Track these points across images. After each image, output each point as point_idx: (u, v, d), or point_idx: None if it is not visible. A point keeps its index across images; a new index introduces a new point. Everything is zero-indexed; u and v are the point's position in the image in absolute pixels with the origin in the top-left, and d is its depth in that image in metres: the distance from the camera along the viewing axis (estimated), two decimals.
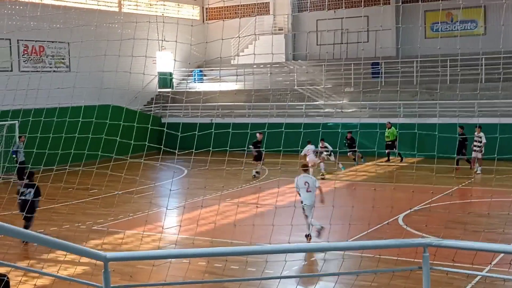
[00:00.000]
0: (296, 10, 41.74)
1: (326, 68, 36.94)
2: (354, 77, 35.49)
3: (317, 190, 16.44)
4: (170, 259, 11.70)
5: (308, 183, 16.42)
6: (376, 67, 35.42)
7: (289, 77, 38.24)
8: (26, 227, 15.98)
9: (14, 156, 26.28)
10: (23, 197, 16.77)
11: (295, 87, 36.79)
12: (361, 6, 37.59)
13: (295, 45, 41.67)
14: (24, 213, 15.81)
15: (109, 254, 4.91)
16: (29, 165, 23.20)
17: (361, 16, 38.09)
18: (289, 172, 25.42)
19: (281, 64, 39.53)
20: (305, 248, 7.19)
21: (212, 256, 11.40)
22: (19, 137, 26.46)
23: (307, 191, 16.29)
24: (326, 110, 34.05)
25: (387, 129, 29.94)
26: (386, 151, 29.87)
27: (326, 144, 26.36)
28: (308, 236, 16.42)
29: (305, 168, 17.42)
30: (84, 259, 12.76)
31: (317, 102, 35.17)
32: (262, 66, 38.02)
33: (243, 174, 24.85)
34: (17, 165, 25.59)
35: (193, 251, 5.23)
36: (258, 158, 25.48)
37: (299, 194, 16.37)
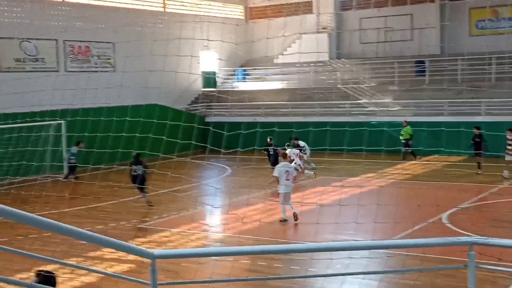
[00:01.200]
0: (340, 8, 41.55)
1: (370, 66, 36.72)
2: (398, 75, 35.20)
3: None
4: (214, 257, 11.81)
5: (288, 171, 17.60)
6: (420, 65, 35.08)
7: (333, 75, 38.11)
8: (144, 196, 20.47)
9: (73, 158, 26.46)
10: (134, 173, 20.28)
11: (339, 86, 36.65)
12: (406, 4, 37.24)
13: (339, 43, 41.48)
14: (136, 185, 20.05)
15: (157, 252, 4.91)
16: (77, 164, 23.65)
17: (405, 14, 37.77)
18: (333, 171, 25.43)
19: (325, 63, 39.42)
20: (349, 246, 7.17)
21: (256, 254, 11.47)
22: (78, 142, 26.54)
23: (286, 179, 17.46)
24: (370, 108, 33.86)
25: (403, 128, 29.66)
26: (403, 150, 29.51)
27: (302, 143, 26.09)
28: (294, 215, 17.50)
29: (285, 156, 18.66)
30: (130, 257, 12.94)
31: (361, 101, 34.98)
32: (305, 65, 37.97)
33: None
34: (69, 164, 26.05)
35: (238, 249, 5.23)
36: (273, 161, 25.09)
37: (278, 181, 17.54)
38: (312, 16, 41.44)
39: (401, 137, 29.55)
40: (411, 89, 33.51)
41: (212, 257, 12.01)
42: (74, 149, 26.41)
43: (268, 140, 25.20)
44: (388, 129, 29.37)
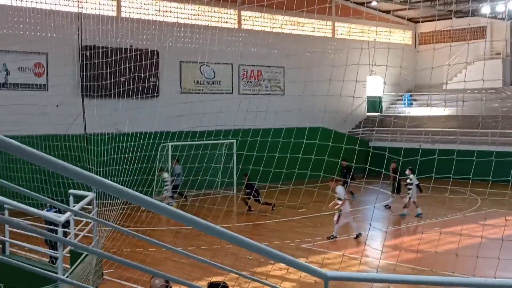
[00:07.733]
0: None
1: None
2: None
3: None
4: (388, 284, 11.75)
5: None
6: None
7: (507, 103, 36.65)
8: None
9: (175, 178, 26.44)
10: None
11: None
12: None
13: None
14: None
15: (330, 273, 4.72)
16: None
17: None
18: (503, 203, 24.13)
19: (498, 90, 38.06)
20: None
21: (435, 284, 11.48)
22: (177, 160, 26.96)
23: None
24: None
25: None
26: None
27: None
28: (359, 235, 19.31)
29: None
30: (294, 276, 13.30)
31: None
32: (476, 91, 36.85)
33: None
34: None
35: (410, 278, 4.84)
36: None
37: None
38: (486, 42, 40.26)
39: None
40: None
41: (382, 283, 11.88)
42: (177, 168, 26.71)
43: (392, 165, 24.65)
44: None
